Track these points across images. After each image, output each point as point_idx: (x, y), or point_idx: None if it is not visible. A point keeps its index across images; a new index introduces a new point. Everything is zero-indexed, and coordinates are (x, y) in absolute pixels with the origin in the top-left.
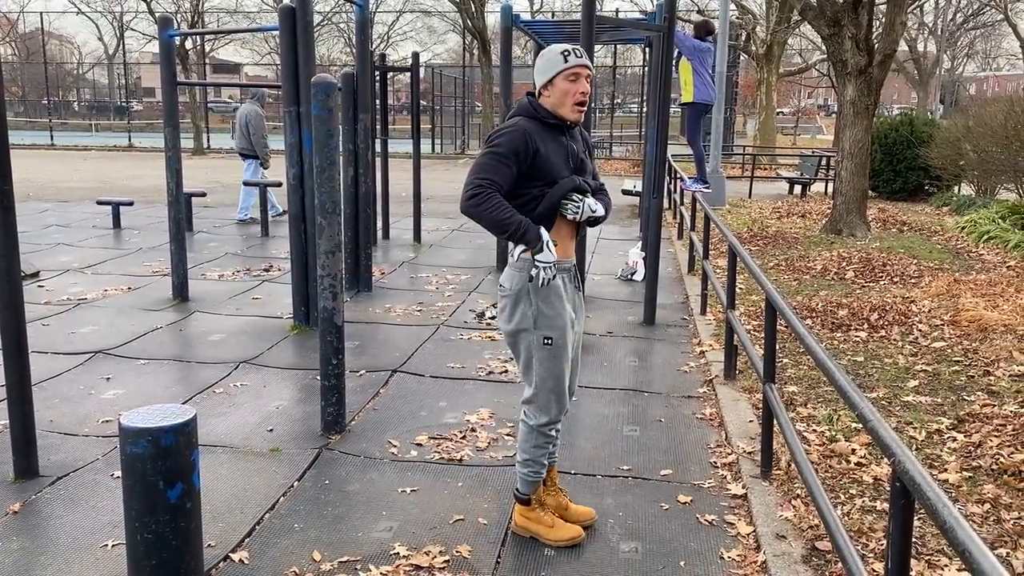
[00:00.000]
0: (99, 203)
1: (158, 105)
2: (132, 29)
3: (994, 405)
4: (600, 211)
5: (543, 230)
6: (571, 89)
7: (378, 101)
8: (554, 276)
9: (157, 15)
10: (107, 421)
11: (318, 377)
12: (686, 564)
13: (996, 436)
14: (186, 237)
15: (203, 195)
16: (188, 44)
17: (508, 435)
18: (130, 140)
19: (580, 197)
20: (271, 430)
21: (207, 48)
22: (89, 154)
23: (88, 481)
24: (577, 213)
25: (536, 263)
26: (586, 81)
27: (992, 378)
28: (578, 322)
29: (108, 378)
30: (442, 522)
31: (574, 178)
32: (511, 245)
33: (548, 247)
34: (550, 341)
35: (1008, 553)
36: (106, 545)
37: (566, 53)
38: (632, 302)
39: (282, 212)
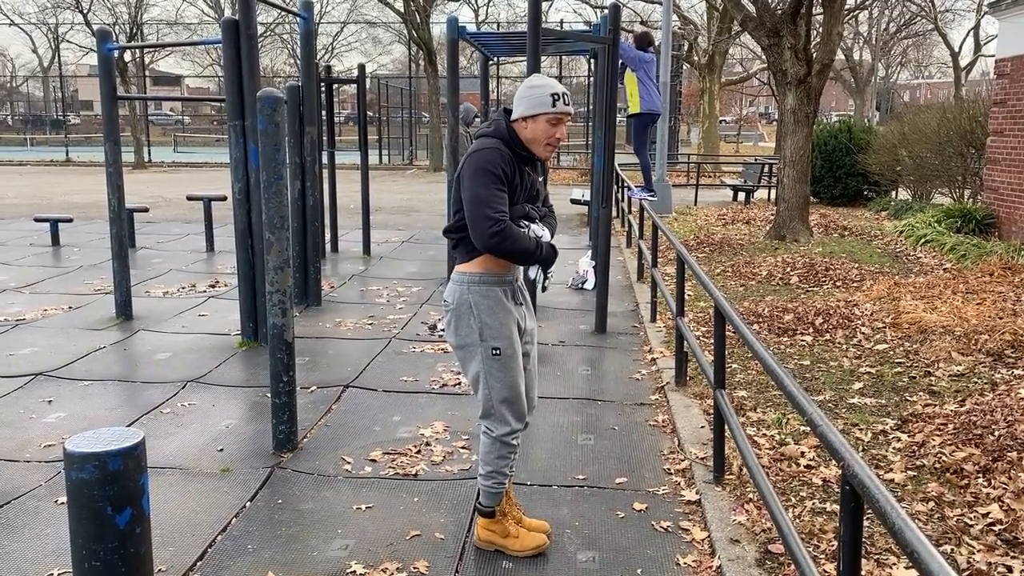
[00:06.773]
0: (37, 220)
1: (96, 118)
2: (68, 41)
3: (935, 405)
4: (545, 236)
5: (555, 245)
6: (550, 132)
7: (324, 113)
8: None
9: (95, 27)
10: (50, 446)
11: (268, 394)
12: (643, 572)
13: (938, 435)
14: (129, 254)
15: (145, 210)
16: (127, 56)
17: (463, 448)
18: (68, 154)
19: (527, 224)
20: (221, 450)
21: (147, 60)
22: (25, 169)
23: (31, 508)
24: None
25: (548, 275)
26: (563, 126)
27: (933, 378)
28: (530, 334)
29: (50, 401)
30: (398, 538)
31: (524, 206)
32: (524, 268)
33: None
34: (498, 351)
35: (952, 549)
36: (52, 574)
37: (555, 97)
38: (583, 311)
39: None
